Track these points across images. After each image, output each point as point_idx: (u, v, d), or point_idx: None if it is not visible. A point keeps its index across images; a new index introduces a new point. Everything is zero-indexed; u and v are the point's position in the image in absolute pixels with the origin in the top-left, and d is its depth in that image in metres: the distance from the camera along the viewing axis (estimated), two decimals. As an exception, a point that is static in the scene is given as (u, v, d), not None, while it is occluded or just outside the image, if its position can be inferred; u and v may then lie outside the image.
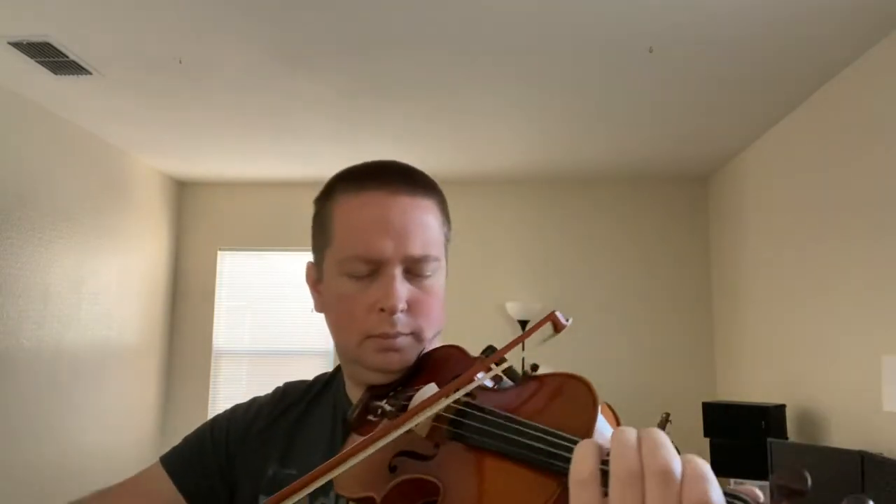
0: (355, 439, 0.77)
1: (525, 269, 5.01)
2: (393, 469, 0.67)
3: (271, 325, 5.15)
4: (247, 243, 5.21)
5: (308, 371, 1.05)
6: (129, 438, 4.51)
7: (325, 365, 4.92)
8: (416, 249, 0.79)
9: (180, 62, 3.05)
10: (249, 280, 5.22)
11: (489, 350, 0.76)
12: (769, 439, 3.08)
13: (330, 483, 0.78)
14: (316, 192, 0.88)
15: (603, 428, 0.58)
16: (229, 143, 4.28)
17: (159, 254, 4.96)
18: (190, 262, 5.21)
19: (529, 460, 0.57)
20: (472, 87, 3.36)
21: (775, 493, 0.45)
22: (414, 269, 0.80)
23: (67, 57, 2.99)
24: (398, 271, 0.78)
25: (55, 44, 2.87)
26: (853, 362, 2.96)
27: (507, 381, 0.73)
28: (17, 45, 2.89)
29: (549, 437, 0.56)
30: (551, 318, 0.68)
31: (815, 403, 3.31)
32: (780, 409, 3.40)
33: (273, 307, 5.14)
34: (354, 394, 0.87)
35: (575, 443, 0.52)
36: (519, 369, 0.78)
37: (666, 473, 0.45)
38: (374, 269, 0.79)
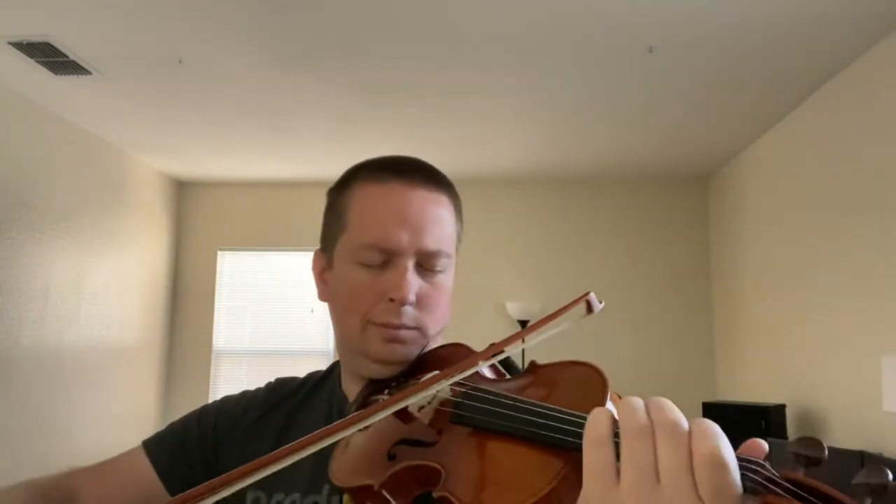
0: None
1: (525, 269, 5.00)
2: (392, 457, 0.65)
3: (271, 325, 5.14)
4: (247, 243, 5.21)
5: (308, 371, 1.04)
6: (128, 438, 4.46)
7: (324, 365, 4.86)
8: (430, 243, 0.79)
9: (180, 62, 3.05)
10: (249, 280, 5.22)
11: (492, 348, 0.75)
12: (769, 439, 3.06)
13: (322, 480, 0.77)
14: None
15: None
16: (229, 143, 4.28)
17: (159, 254, 4.95)
18: (190, 262, 5.21)
19: (536, 438, 0.55)
20: (472, 87, 3.36)
21: (792, 461, 0.45)
22: (426, 264, 0.80)
23: (67, 57, 2.99)
24: (411, 263, 0.78)
25: (55, 44, 2.87)
26: (853, 362, 2.96)
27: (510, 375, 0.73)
28: (17, 45, 2.89)
29: (557, 414, 0.55)
30: (586, 298, 0.67)
31: (815, 403, 3.31)
32: (780, 409, 3.40)
33: (273, 307, 5.14)
34: (351, 389, 0.86)
35: (584, 418, 0.51)
36: (520, 364, 0.78)
37: (674, 427, 0.45)
38: (387, 260, 0.78)
